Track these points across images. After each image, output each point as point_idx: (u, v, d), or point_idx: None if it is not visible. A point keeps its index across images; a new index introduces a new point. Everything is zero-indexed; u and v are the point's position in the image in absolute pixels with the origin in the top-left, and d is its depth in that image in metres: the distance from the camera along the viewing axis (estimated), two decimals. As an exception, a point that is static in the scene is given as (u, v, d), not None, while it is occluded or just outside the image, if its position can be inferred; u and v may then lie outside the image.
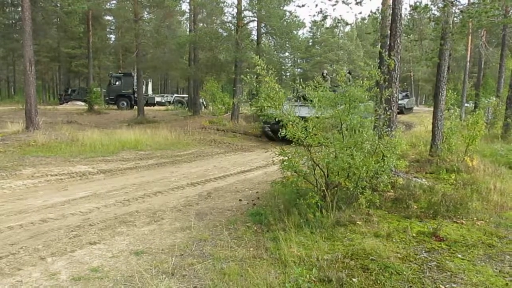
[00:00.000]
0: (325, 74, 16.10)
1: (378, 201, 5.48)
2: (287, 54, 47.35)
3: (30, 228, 5.16)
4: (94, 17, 28.55)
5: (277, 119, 11.97)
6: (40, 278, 3.74)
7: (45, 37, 33.46)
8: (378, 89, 5.95)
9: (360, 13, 67.18)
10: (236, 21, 21.41)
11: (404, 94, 30.94)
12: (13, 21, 32.33)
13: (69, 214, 5.81)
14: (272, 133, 15.38)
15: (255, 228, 5.18)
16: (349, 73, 15.68)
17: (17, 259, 4.17)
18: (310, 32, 58.53)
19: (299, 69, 55.44)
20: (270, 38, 23.93)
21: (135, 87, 30.90)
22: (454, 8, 9.80)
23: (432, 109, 10.18)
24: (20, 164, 9.40)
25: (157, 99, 37.54)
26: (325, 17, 12.37)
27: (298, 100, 19.45)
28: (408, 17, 13.53)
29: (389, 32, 7.89)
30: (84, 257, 4.26)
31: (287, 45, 23.88)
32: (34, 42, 18.33)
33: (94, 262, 4.11)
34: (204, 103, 30.22)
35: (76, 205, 6.28)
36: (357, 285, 3.47)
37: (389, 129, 6.65)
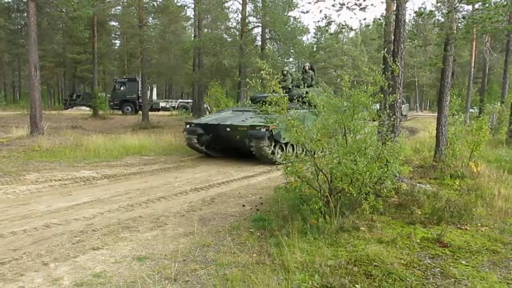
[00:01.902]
0: (285, 73, 14.71)
1: (381, 207, 5.46)
2: (291, 59, 47.41)
3: (33, 234, 5.17)
4: (99, 22, 28.79)
5: (206, 126, 10.28)
6: (42, 284, 3.75)
7: (51, 42, 33.72)
8: (382, 95, 5.94)
9: (365, 19, 67.36)
10: (240, 27, 21.52)
11: None
12: (19, 27, 32.62)
13: (72, 219, 5.83)
14: (201, 146, 12.05)
15: (258, 233, 5.16)
16: (311, 68, 14.59)
17: (20, 265, 4.18)
18: (314, 37, 58.62)
19: (303, 75, 55.44)
20: (275, 43, 24.01)
21: (139, 92, 31.04)
22: (458, 14, 9.80)
23: (436, 114, 10.14)
24: (24, 169, 9.44)
25: (162, 104, 37.68)
26: (329, 23, 12.39)
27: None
28: (413, 22, 13.54)
29: (393, 37, 7.89)
30: (87, 262, 4.26)
31: (291, 50, 23.96)
32: (39, 48, 18.46)
33: (97, 268, 4.11)
34: (209, 108, 30.26)
35: (80, 210, 6.30)
36: (360, 292, 3.45)
37: (393, 134, 6.64)
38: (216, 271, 4.00)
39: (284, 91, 11.94)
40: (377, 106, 6.18)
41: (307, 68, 14.43)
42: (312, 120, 11.59)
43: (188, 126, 12.07)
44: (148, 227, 5.51)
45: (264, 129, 10.16)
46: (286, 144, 11.27)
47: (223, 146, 12.26)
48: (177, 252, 4.54)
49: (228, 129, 11.02)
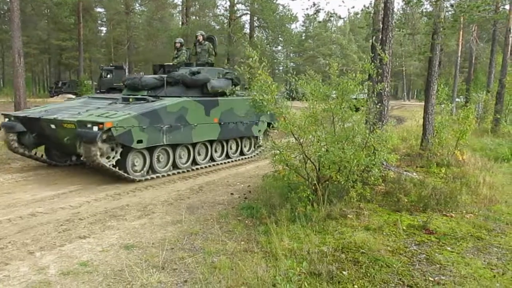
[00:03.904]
0: (178, 45, 10.47)
1: (369, 194, 5.51)
2: (279, 48, 47.30)
3: (19, 223, 5.11)
4: (85, 8, 28.23)
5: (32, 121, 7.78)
6: (28, 273, 3.71)
7: (35, 28, 33.03)
8: (370, 83, 5.96)
9: (353, 7, 67.07)
10: (228, 14, 21.33)
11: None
12: (2, 12, 31.84)
13: (58, 208, 5.76)
14: (26, 149, 8.20)
15: (246, 221, 5.17)
16: (209, 39, 10.82)
17: (5, 254, 4.12)
18: (303, 26, 58.46)
19: (292, 63, 55.39)
20: (263, 31, 23.89)
21: (126, 80, 30.61)
22: (446, 2, 9.84)
23: (423, 103, 10.21)
24: (9, 158, 9.28)
25: (149, 92, 37.22)
26: (318, 11, 12.34)
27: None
28: (401, 11, 13.55)
29: (381, 26, 7.89)
30: (74, 251, 4.23)
31: (279, 38, 23.87)
32: (24, 34, 18.09)
33: (84, 256, 4.08)
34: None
35: (66, 199, 6.23)
36: (347, 278, 3.48)
37: (381, 123, 6.67)
38: (204, 259, 4.00)
39: (169, 70, 9.30)
40: (365, 96, 6.18)
41: (200, 38, 10.39)
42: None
43: (6, 120, 8.20)
44: (136, 216, 5.48)
45: (97, 127, 6.61)
46: (151, 149, 7.68)
47: (60, 150, 8.60)
48: (164, 240, 4.53)
49: (53, 126, 7.38)
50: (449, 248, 4.27)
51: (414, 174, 7.43)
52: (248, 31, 23.07)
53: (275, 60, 34.69)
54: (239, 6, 21.99)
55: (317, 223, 4.83)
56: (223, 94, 8.74)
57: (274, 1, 21.74)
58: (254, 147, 10.83)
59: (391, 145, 5.83)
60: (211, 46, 10.44)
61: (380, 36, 7.79)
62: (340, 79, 5.45)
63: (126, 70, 30.60)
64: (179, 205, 6.03)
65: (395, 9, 7.93)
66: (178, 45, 10.42)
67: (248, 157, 10.47)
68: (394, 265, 3.76)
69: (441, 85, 10.10)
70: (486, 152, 10.65)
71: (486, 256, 4.09)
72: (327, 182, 5.46)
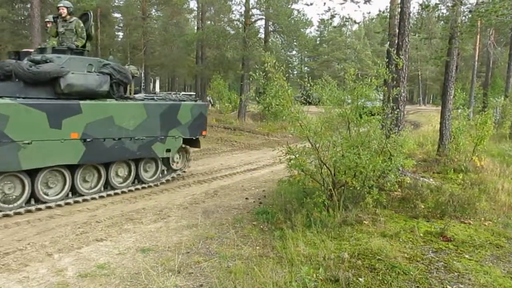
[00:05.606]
0: (64, 14, 7.07)
1: (385, 200, 5.46)
2: (294, 52, 47.25)
3: (37, 225, 5.20)
4: (103, 14, 28.64)
5: None
6: (47, 274, 3.77)
7: (54, 34, 33.60)
8: (386, 88, 5.93)
9: (369, 12, 67.11)
10: (243, 19, 21.41)
11: None
12: (22, 18, 32.49)
13: (76, 210, 5.85)
14: None
15: (262, 226, 5.17)
16: (83, 16, 7.56)
17: (24, 255, 4.20)
18: (317, 30, 58.36)
19: (306, 68, 55.33)
20: (278, 36, 23.89)
21: (142, 84, 30.95)
22: (463, 7, 9.73)
23: (439, 108, 10.10)
24: None
25: (164, 96, 37.47)
26: (333, 16, 12.32)
27: None
28: (417, 16, 13.46)
29: (397, 31, 7.85)
30: (91, 253, 4.28)
31: (294, 43, 23.84)
32: (43, 39, 18.43)
33: (101, 259, 4.13)
34: (211, 101, 30.23)
35: (83, 202, 6.31)
36: (364, 285, 3.46)
37: (397, 128, 6.62)
38: (219, 263, 4.01)
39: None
40: (379, 103, 6.13)
41: (64, 12, 7.07)
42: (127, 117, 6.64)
43: None
44: (152, 219, 5.53)
45: None
46: None
47: None
48: (180, 244, 4.56)
49: None
50: (467, 256, 4.20)
51: (431, 180, 7.34)
52: (263, 35, 23.08)
53: (289, 65, 34.75)
54: (254, 11, 22.02)
55: (333, 229, 4.81)
56: (95, 95, 6.43)
57: (289, 6, 21.75)
58: (164, 172, 7.82)
59: (407, 150, 5.78)
60: (81, 25, 7.17)
61: (396, 41, 7.75)
62: (355, 84, 5.43)
63: (142, 75, 30.96)
64: (194, 209, 6.06)
65: (411, 14, 7.88)
66: (49, 25, 7.48)
67: (152, 186, 7.48)
68: (411, 273, 3.71)
69: (458, 90, 9.99)
70: (505, 158, 10.46)
71: (505, 265, 4.02)
72: (343, 188, 5.43)
